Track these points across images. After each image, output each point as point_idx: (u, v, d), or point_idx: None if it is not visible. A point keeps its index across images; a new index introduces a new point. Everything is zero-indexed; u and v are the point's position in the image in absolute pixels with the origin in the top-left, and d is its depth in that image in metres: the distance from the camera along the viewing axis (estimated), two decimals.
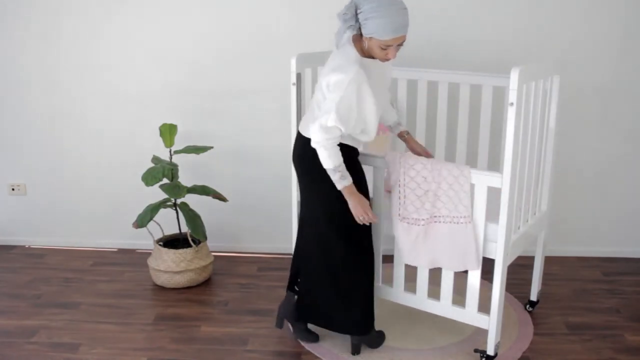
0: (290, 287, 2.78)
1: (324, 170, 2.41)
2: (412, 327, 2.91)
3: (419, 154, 2.76)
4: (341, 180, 2.39)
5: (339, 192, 2.44)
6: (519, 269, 3.52)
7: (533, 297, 3.09)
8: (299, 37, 3.46)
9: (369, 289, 2.63)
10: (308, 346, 2.76)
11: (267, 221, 3.77)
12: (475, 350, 2.65)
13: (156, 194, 3.52)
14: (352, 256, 2.56)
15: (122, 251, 3.82)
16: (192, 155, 3.64)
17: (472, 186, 2.45)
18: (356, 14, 2.31)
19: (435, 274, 3.04)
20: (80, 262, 3.66)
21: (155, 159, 3.33)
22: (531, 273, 3.21)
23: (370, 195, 2.69)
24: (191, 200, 3.51)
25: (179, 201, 3.37)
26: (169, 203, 3.34)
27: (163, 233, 3.49)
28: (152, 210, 3.23)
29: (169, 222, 3.56)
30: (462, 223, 2.47)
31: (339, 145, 2.40)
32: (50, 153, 3.73)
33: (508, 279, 3.28)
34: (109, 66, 3.57)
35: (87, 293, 3.27)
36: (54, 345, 2.78)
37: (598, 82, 3.49)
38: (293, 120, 2.77)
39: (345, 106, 2.31)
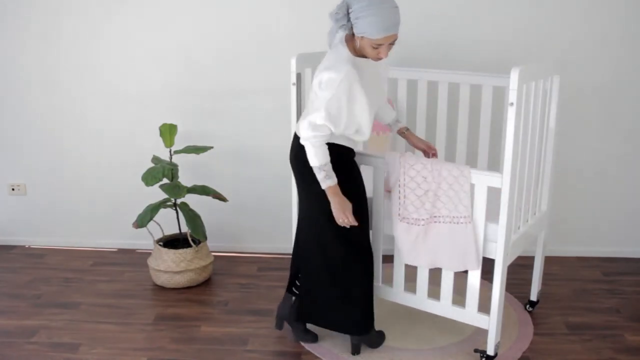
0: (289, 289, 2.78)
1: None
2: (412, 327, 2.91)
3: (421, 149, 2.76)
4: (325, 179, 2.38)
5: None
6: (519, 269, 3.52)
7: (533, 297, 3.09)
8: (299, 37, 3.46)
9: (369, 289, 2.63)
10: (308, 346, 2.76)
11: (267, 221, 3.77)
12: (475, 350, 2.65)
13: (156, 194, 3.52)
14: (351, 256, 2.56)
15: (122, 251, 3.82)
16: (192, 155, 3.64)
17: (472, 186, 2.45)
18: (348, 14, 2.31)
19: (435, 274, 3.03)
20: (80, 262, 3.66)
21: (155, 159, 3.33)
22: (531, 273, 3.21)
23: (370, 195, 2.68)
24: (191, 200, 3.51)
25: (179, 201, 3.37)
26: (169, 203, 3.34)
27: (163, 233, 3.49)
28: (152, 210, 3.23)
29: (169, 222, 3.56)
30: (462, 223, 2.47)
31: (334, 145, 2.40)
32: (50, 153, 3.73)
33: (508, 279, 3.28)
34: (109, 66, 3.57)
35: (87, 293, 3.28)
36: (54, 345, 2.78)
37: (598, 82, 3.49)
38: (293, 120, 2.76)
39: (335, 105, 2.31)
